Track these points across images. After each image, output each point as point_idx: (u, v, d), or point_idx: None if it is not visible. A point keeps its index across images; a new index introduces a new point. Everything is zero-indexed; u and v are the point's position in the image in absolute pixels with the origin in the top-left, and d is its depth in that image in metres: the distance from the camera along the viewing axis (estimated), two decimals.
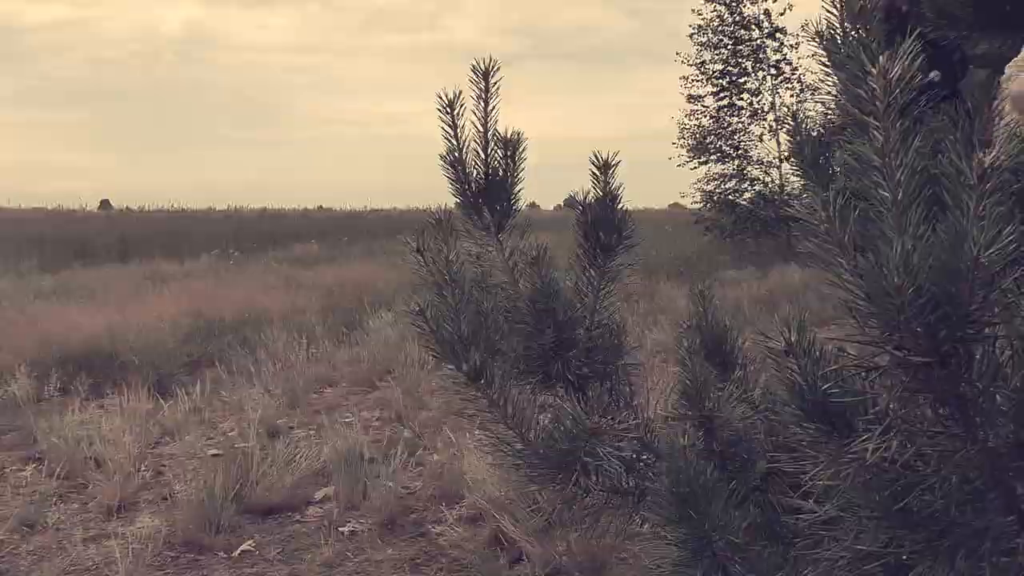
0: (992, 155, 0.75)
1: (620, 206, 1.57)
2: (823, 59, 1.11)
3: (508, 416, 1.41)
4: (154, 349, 4.44)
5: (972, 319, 0.74)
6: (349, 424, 3.33)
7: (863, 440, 0.80)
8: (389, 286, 6.95)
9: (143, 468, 2.89)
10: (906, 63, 0.81)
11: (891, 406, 0.82)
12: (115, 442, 2.90)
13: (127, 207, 25.27)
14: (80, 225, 16.52)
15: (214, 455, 2.95)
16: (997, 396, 0.81)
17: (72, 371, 4.08)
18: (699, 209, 13.88)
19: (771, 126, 13.34)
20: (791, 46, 13.34)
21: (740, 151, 13.52)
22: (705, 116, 13.86)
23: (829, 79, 1.09)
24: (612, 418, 1.36)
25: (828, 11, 1.09)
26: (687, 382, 1.30)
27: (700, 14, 13.85)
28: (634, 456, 1.44)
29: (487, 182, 1.58)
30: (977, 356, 0.79)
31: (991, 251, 0.71)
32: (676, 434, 1.11)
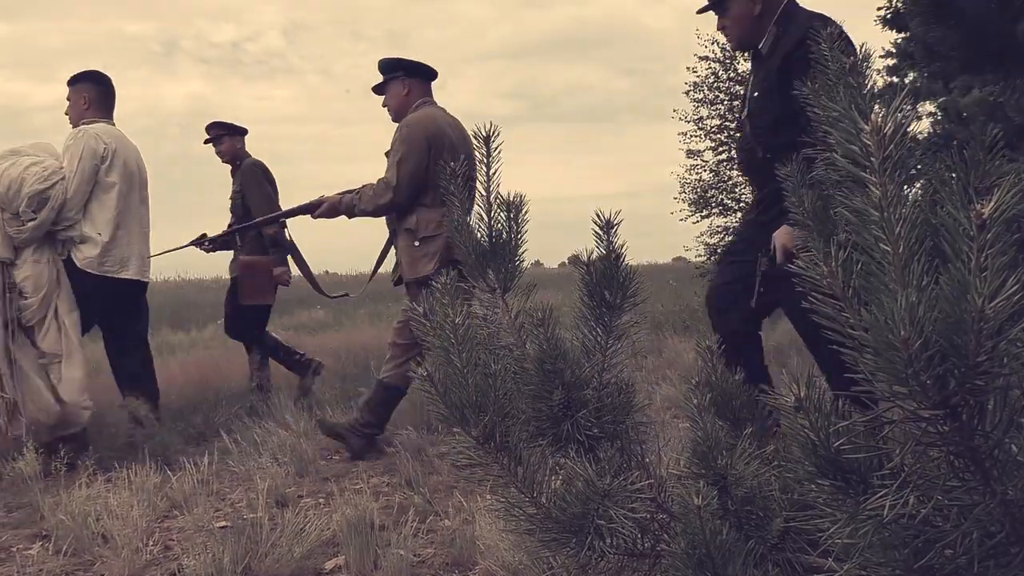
0: (991, 206, 0.75)
1: (624, 264, 1.58)
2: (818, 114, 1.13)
3: (519, 479, 1.40)
4: (161, 421, 4.42)
5: (981, 370, 0.74)
6: (358, 491, 3.28)
7: (879, 496, 0.79)
8: None
9: (151, 543, 2.85)
10: (899, 118, 0.83)
11: (906, 461, 0.81)
12: (123, 517, 2.86)
13: None
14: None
15: (222, 527, 2.91)
16: (1012, 446, 0.80)
17: (79, 445, 4.05)
18: (703, 262, 13.93)
19: None
20: None
21: (742, 204, 13.63)
22: (705, 170, 14.04)
23: (827, 132, 1.11)
24: (624, 478, 1.34)
25: (821, 68, 1.12)
26: (698, 440, 1.29)
27: (695, 71, 14.18)
28: (648, 517, 1.42)
29: (491, 245, 1.59)
30: (989, 407, 0.78)
31: (996, 302, 0.71)
32: (690, 493, 1.09)
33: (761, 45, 2.96)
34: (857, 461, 0.82)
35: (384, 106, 4.15)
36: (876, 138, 0.80)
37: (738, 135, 3.27)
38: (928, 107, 9.67)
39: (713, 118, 13.97)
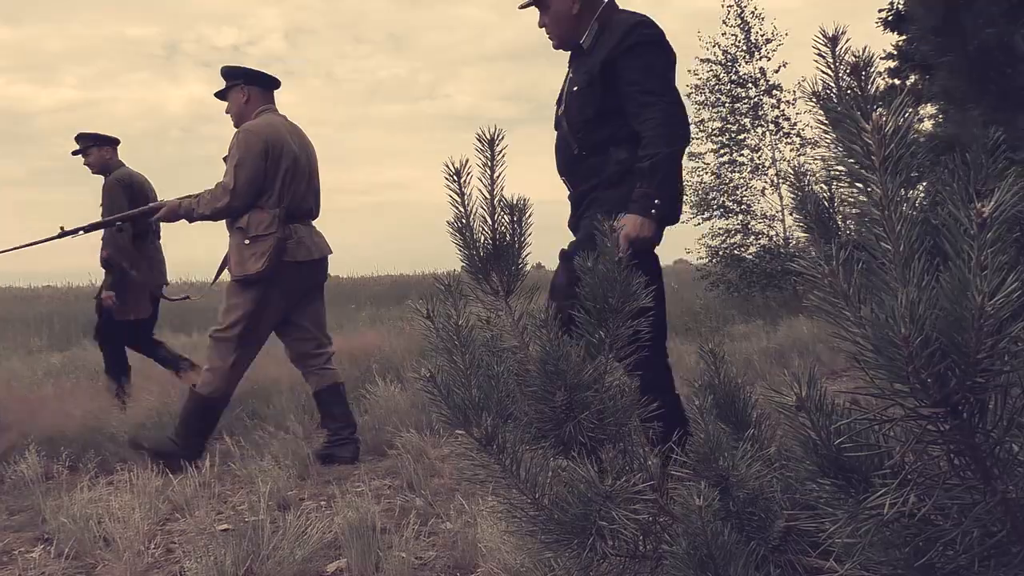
0: (991, 205, 0.76)
1: (626, 266, 1.58)
2: (820, 115, 1.14)
3: (521, 481, 1.40)
4: (163, 424, 4.42)
5: (981, 367, 0.74)
6: (360, 494, 3.29)
7: (880, 495, 0.79)
8: (397, 353, 6.94)
9: (153, 546, 2.85)
10: (900, 118, 0.83)
11: (906, 459, 0.81)
12: (124, 520, 2.86)
13: None
14: (88, 302, 16.60)
15: (224, 530, 2.92)
16: (1013, 445, 0.81)
17: (81, 449, 4.06)
18: (705, 264, 13.91)
19: (773, 180, 13.49)
20: (788, 102, 13.57)
21: (743, 206, 13.62)
22: (706, 173, 14.02)
23: (828, 134, 1.12)
24: (626, 480, 1.35)
25: (822, 69, 1.12)
26: (700, 441, 1.29)
27: (696, 74, 14.16)
28: (650, 519, 1.42)
29: (495, 247, 1.60)
30: (990, 405, 0.78)
31: (996, 300, 0.71)
32: (691, 495, 1.09)
33: (583, 40, 2.93)
34: (858, 459, 0.83)
35: (227, 112, 4.20)
36: (877, 137, 0.80)
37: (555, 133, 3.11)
38: (929, 109, 9.68)
39: (714, 120, 13.95)
